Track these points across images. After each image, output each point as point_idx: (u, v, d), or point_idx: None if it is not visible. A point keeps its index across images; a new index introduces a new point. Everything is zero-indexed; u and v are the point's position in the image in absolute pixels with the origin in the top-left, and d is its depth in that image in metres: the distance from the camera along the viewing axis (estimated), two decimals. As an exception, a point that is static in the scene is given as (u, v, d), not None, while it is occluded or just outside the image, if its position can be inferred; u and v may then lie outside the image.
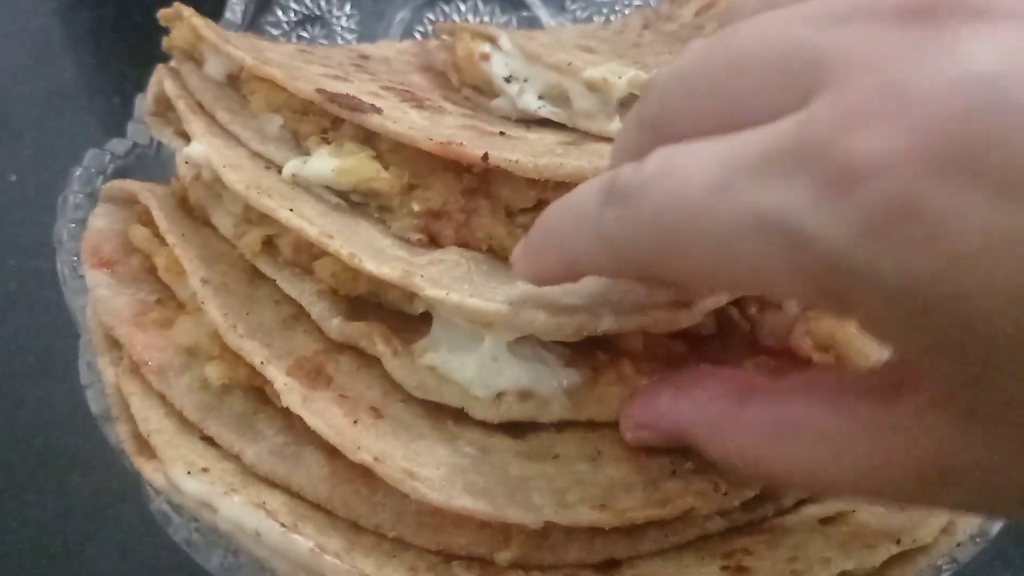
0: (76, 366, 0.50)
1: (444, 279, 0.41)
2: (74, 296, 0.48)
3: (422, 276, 0.40)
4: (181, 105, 0.49)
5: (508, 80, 0.52)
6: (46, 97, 0.92)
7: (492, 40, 0.54)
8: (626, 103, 0.50)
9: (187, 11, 0.54)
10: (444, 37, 0.61)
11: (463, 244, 0.47)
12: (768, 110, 0.27)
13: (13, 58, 0.95)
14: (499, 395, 0.41)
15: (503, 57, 0.52)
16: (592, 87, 0.50)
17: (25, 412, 0.71)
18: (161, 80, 0.52)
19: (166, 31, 0.56)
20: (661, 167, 0.29)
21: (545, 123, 0.52)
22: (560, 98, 0.52)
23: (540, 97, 0.52)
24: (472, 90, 0.56)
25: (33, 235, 0.81)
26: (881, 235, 0.23)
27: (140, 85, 0.91)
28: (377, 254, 0.42)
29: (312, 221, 0.42)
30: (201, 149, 0.45)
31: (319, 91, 0.48)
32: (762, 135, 0.26)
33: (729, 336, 0.43)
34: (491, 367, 0.41)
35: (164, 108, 0.54)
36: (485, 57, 0.53)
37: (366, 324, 0.42)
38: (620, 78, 0.49)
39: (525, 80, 0.52)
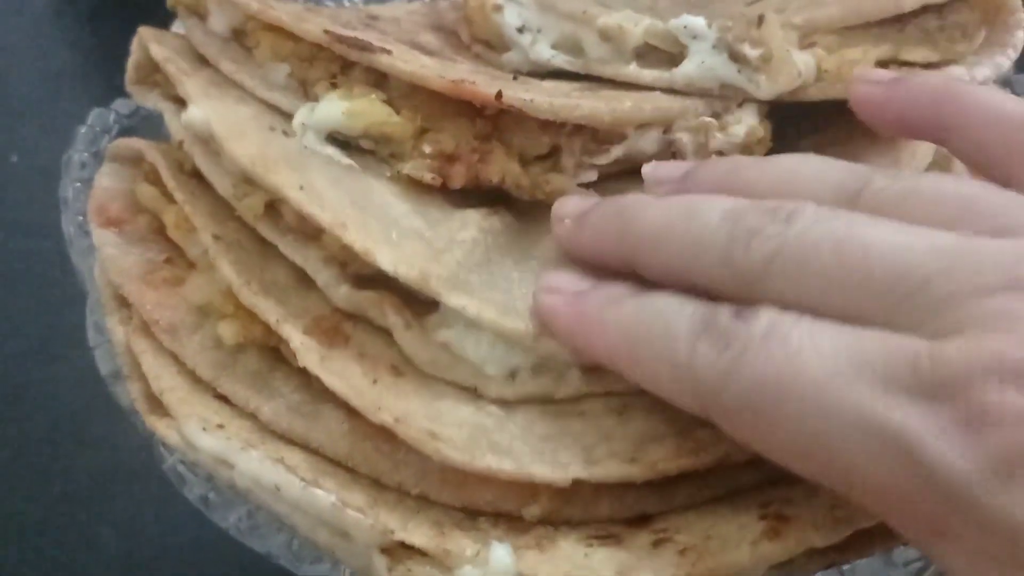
0: (81, 347, 0.49)
1: (461, 272, 0.40)
2: (81, 256, 0.46)
3: (438, 277, 0.39)
4: (171, 69, 0.48)
5: (521, 31, 0.50)
6: (46, 77, 0.91)
7: None
8: (642, 53, 0.48)
9: (191, -35, 0.53)
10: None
11: (476, 184, 0.46)
12: (886, 312, 0.29)
13: (13, 38, 0.94)
14: (512, 372, 0.40)
15: (516, 7, 0.50)
16: (606, 35, 0.48)
17: (30, 393, 0.71)
18: (144, 44, 0.50)
19: (169, 13, 0.55)
20: (770, 329, 0.30)
21: (559, 75, 0.51)
22: (574, 48, 0.50)
23: (553, 47, 0.50)
24: (482, 46, 0.54)
25: (36, 216, 0.79)
26: (1009, 476, 0.25)
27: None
28: (392, 235, 0.41)
29: (323, 200, 0.40)
30: (200, 114, 0.44)
31: (327, 32, 0.46)
32: (887, 344, 0.28)
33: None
34: (505, 345, 0.40)
35: (146, 74, 0.52)
36: (497, 8, 0.51)
37: (376, 294, 0.41)
38: (636, 25, 0.47)
39: (538, 31, 0.50)
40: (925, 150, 0.48)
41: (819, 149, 0.47)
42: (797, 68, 0.45)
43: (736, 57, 0.45)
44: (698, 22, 0.46)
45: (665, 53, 0.48)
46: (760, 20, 0.45)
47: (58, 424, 0.69)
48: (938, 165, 0.48)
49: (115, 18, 0.97)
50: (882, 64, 0.46)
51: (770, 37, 0.45)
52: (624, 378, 0.37)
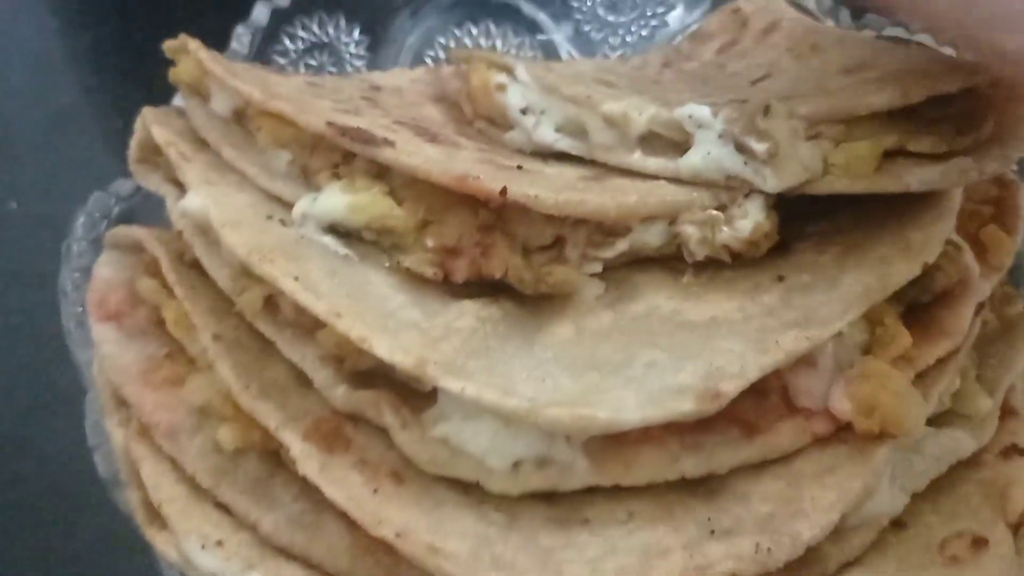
0: (80, 402, 0.48)
1: (459, 359, 0.39)
2: (79, 349, 0.46)
3: (435, 363, 0.39)
4: (172, 153, 0.47)
5: (524, 112, 0.50)
6: (47, 121, 0.90)
7: (508, 70, 0.52)
8: (647, 139, 0.48)
9: (193, 44, 0.53)
10: (459, 65, 0.58)
11: (478, 277, 0.45)
12: None
13: (13, 81, 0.93)
14: (516, 464, 0.40)
15: (520, 88, 0.50)
16: (611, 122, 0.48)
17: (29, 451, 0.70)
18: (146, 125, 0.50)
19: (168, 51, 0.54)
20: None
21: (562, 157, 0.50)
22: (578, 131, 0.49)
23: (557, 130, 0.50)
24: (485, 122, 0.53)
25: (35, 266, 0.79)
26: None
27: (142, 106, 0.90)
28: (388, 325, 0.40)
29: (319, 291, 0.40)
30: (198, 202, 0.43)
31: (330, 124, 0.46)
32: None
33: (762, 395, 0.41)
34: (505, 435, 0.40)
35: (150, 153, 0.52)
36: (501, 88, 0.51)
37: (373, 393, 0.41)
38: (640, 114, 0.47)
39: (542, 112, 0.50)
40: (928, 238, 0.47)
41: (826, 236, 0.47)
42: (803, 163, 0.44)
43: (742, 149, 0.45)
44: (703, 112, 0.46)
45: (671, 140, 0.47)
46: (767, 110, 0.45)
47: (57, 481, 0.68)
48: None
49: (117, 58, 0.97)
50: (889, 154, 0.46)
51: (776, 129, 0.44)
52: (633, 468, 0.38)
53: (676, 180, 0.46)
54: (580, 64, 0.63)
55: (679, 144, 0.47)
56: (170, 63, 0.54)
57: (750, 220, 0.45)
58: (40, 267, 0.78)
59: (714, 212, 0.45)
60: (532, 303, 0.46)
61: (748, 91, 0.51)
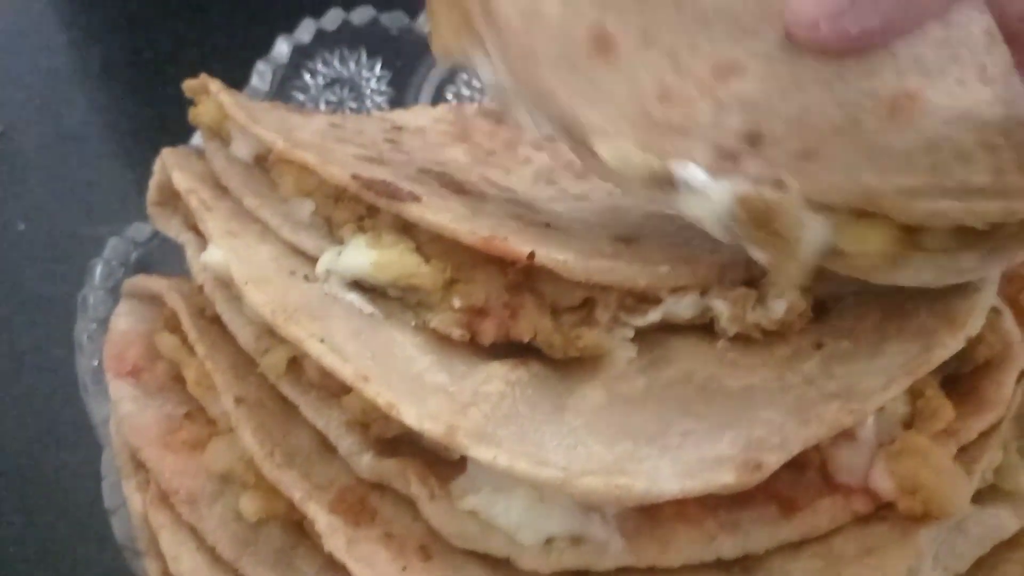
0: (88, 432, 0.47)
1: (489, 426, 0.38)
2: (96, 405, 0.45)
3: (465, 431, 0.37)
4: (193, 201, 0.46)
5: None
6: (56, 140, 0.89)
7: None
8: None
9: (214, 85, 0.51)
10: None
11: (506, 339, 0.44)
12: None
13: (22, 99, 0.92)
14: (548, 541, 0.38)
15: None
16: None
17: (36, 481, 0.69)
18: (166, 169, 0.49)
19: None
20: None
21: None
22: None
23: None
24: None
25: (43, 289, 0.78)
26: None
27: (152, 124, 0.89)
28: (415, 389, 0.39)
29: (345, 353, 0.39)
30: (220, 256, 0.42)
31: (355, 177, 0.45)
32: None
33: (800, 471, 0.40)
34: (538, 509, 0.39)
35: (168, 196, 0.51)
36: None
37: (399, 462, 0.40)
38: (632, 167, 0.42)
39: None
40: (972, 307, 0.45)
41: (864, 300, 0.46)
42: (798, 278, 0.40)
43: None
44: (705, 181, 0.39)
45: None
46: (779, 184, 0.38)
47: (66, 512, 0.67)
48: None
49: (127, 75, 0.96)
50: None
51: (787, 217, 0.39)
52: (669, 549, 0.36)
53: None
54: None
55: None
56: (180, 80, 0.53)
57: (784, 299, 0.43)
58: (50, 289, 0.78)
59: (746, 290, 0.44)
60: (562, 365, 0.44)
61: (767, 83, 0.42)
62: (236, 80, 0.70)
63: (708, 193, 0.39)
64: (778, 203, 0.37)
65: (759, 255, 0.39)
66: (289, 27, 0.66)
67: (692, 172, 0.39)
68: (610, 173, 0.40)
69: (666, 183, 0.39)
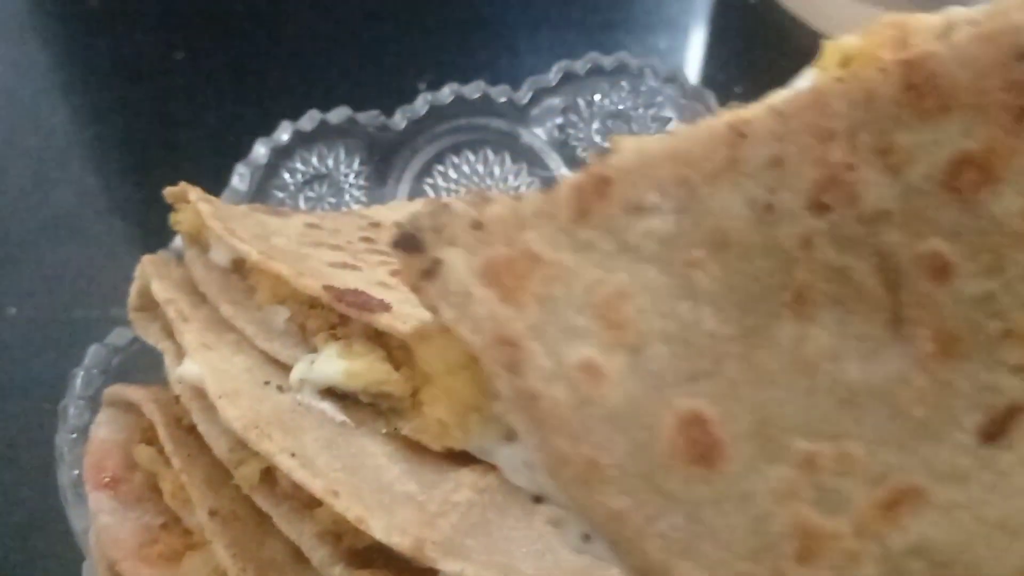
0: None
1: (457, 537, 0.39)
2: (76, 514, 0.46)
3: (433, 543, 0.38)
4: (171, 311, 0.48)
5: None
6: (46, 222, 0.90)
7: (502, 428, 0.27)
8: None
9: (194, 193, 0.53)
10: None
11: None
12: None
13: (12, 181, 0.93)
14: None
15: (522, 467, 0.40)
16: None
17: (26, 569, 0.69)
18: (146, 276, 0.50)
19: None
20: None
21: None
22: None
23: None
24: None
25: (33, 373, 0.79)
26: None
27: (143, 206, 0.90)
28: (385, 501, 0.40)
29: (315, 467, 0.40)
30: (195, 370, 0.44)
31: (327, 288, 0.46)
32: None
33: None
34: None
35: (149, 302, 0.52)
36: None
37: (371, 573, 0.40)
38: None
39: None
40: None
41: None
42: None
43: None
44: None
45: None
46: None
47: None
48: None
49: (119, 156, 0.97)
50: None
51: None
52: None
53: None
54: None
55: None
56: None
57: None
58: (40, 373, 0.78)
59: None
60: (532, 470, 0.45)
61: None
62: (226, 159, 0.71)
63: None
64: None
65: None
66: (269, 125, 0.67)
67: None
68: None
69: None
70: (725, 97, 0.65)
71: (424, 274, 0.24)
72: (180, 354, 0.47)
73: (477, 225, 0.25)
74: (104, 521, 0.44)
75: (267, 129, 0.68)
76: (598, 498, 0.24)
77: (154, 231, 0.55)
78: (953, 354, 0.24)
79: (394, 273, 0.51)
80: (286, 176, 0.62)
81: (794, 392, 0.24)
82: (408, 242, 0.24)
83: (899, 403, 0.24)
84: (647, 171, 0.25)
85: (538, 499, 0.26)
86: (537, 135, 0.65)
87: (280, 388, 0.46)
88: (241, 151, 0.68)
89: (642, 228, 0.25)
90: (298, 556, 0.43)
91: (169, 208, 0.57)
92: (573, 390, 0.24)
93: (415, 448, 0.45)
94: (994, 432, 0.24)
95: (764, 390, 0.24)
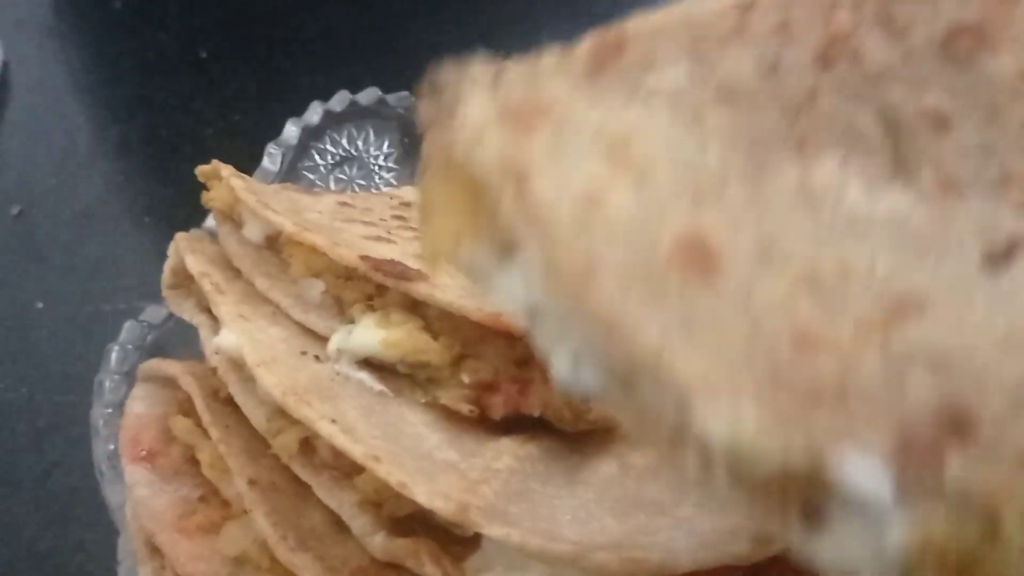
0: (105, 512, 0.47)
1: (500, 503, 0.38)
2: (112, 490, 0.45)
3: (477, 509, 0.38)
4: (206, 284, 0.47)
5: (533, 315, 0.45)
6: (73, 218, 0.90)
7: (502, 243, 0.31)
8: None
9: (226, 170, 0.53)
10: None
11: (516, 414, 0.44)
12: None
13: (38, 178, 0.94)
14: None
15: (521, 284, 0.34)
16: None
17: (53, 562, 0.69)
18: (180, 253, 0.50)
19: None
20: None
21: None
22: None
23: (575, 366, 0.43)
24: None
25: (61, 367, 0.79)
26: None
27: (169, 202, 0.90)
28: (426, 467, 0.39)
29: (356, 433, 0.39)
30: (233, 339, 0.43)
31: (363, 258, 0.46)
32: None
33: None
34: None
35: (183, 279, 0.52)
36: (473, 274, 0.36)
37: (412, 542, 0.40)
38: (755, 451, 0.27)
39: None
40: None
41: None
42: None
43: None
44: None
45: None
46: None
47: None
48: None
49: (143, 154, 0.97)
50: None
51: None
52: None
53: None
54: (663, 51, 0.41)
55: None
56: (196, 159, 0.54)
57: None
58: (69, 367, 0.78)
59: None
60: (572, 439, 0.45)
61: None
62: (252, 155, 0.71)
63: (879, 518, 0.22)
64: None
65: None
66: (299, 108, 0.67)
67: (863, 476, 0.22)
68: (709, 468, 0.23)
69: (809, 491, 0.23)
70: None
71: (443, 113, 0.26)
72: (215, 327, 0.47)
73: (497, 75, 0.26)
74: (141, 494, 0.43)
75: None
76: (593, 298, 0.24)
77: (180, 226, 0.55)
78: (954, 193, 0.25)
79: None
80: (316, 157, 0.61)
81: (798, 218, 0.25)
82: (430, 87, 0.27)
83: (903, 229, 0.25)
84: (661, 34, 0.28)
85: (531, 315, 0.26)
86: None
87: (317, 358, 0.45)
88: (265, 147, 0.68)
89: (654, 80, 0.27)
90: (338, 525, 0.42)
91: (195, 203, 0.57)
92: (578, 207, 0.25)
93: (454, 418, 0.45)
94: (997, 259, 0.24)
95: (767, 215, 0.25)
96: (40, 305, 0.84)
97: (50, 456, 0.74)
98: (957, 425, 0.22)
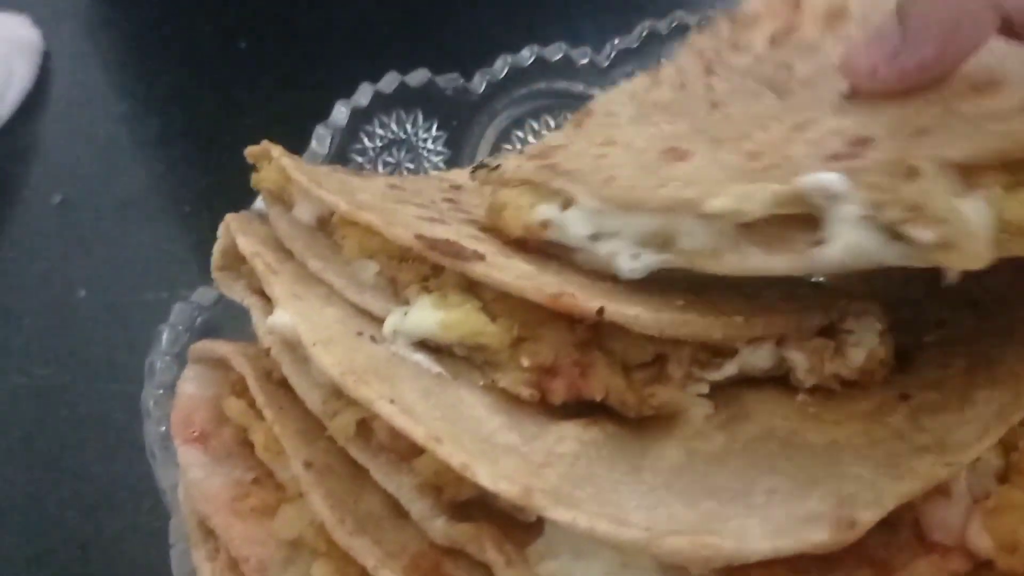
0: (149, 496, 0.47)
1: (565, 487, 0.37)
2: (163, 471, 0.44)
3: (542, 492, 0.36)
4: (259, 264, 0.46)
5: (595, 238, 0.43)
6: (115, 208, 0.90)
7: (559, 197, 0.44)
8: (749, 227, 0.39)
9: (276, 150, 0.52)
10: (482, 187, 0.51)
11: (577, 398, 0.43)
12: None
13: (81, 168, 0.94)
14: None
15: (580, 215, 0.43)
16: (713, 219, 0.40)
17: (98, 548, 0.68)
18: (230, 233, 0.49)
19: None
20: None
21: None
22: (665, 242, 0.42)
23: (639, 245, 0.42)
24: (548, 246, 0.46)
25: (104, 354, 0.79)
26: None
27: (210, 191, 0.90)
28: (487, 450, 0.38)
29: (416, 414, 0.38)
30: (287, 319, 0.42)
31: (418, 237, 0.44)
32: None
33: (892, 530, 0.38)
34: (620, 574, 0.37)
35: (232, 260, 0.51)
36: (545, 225, 0.44)
37: (474, 526, 0.38)
38: (756, 201, 0.38)
39: (615, 234, 0.43)
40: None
41: (949, 347, 0.44)
42: (982, 238, 0.35)
43: (899, 238, 0.36)
44: (833, 181, 0.37)
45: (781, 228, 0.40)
46: (912, 171, 0.36)
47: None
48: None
49: (184, 144, 0.97)
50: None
51: (932, 198, 0.35)
52: None
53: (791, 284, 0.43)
54: (614, 103, 0.55)
55: (797, 229, 0.38)
56: (237, 148, 0.54)
57: (863, 348, 0.42)
58: (108, 355, 0.78)
59: (823, 341, 0.42)
60: (635, 424, 0.43)
61: (852, 116, 0.42)
62: (292, 146, 0.71)
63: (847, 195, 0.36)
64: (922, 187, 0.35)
65: (926, 235, 0.35)
66: (340, 96, 0.66)
67: (823, 177, 0.36)
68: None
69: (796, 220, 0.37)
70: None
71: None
72: (268, 308, 0.46)
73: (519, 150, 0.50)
74: (194, 476, 0.42)
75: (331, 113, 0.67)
76: (621, 195, 0.43)
77: (220, 215, 0.55)
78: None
79: (483, 229, 0.50)
80: (365, 140, 0.60)
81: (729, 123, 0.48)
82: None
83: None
84: (613, 100, 0.58)
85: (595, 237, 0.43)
86: (618, 98, 0.63)
87: (373, 339, 0.44)
88: (305, 137, 0.67)
89: (616, 117, 0.56)
90: (396, 510, 0.41)
91: (235, 193, 0.56)
92: (593, 163, 0.46)
93: (514, 401, 0.43)
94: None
95: (704, 127, 0.47)
96: (82, 293, 0.84)
97: (92, 443, 0.74)
98: (859, 143, 0.39)
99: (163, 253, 0.87)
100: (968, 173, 0.36)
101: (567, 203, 0.44)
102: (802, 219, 0.38)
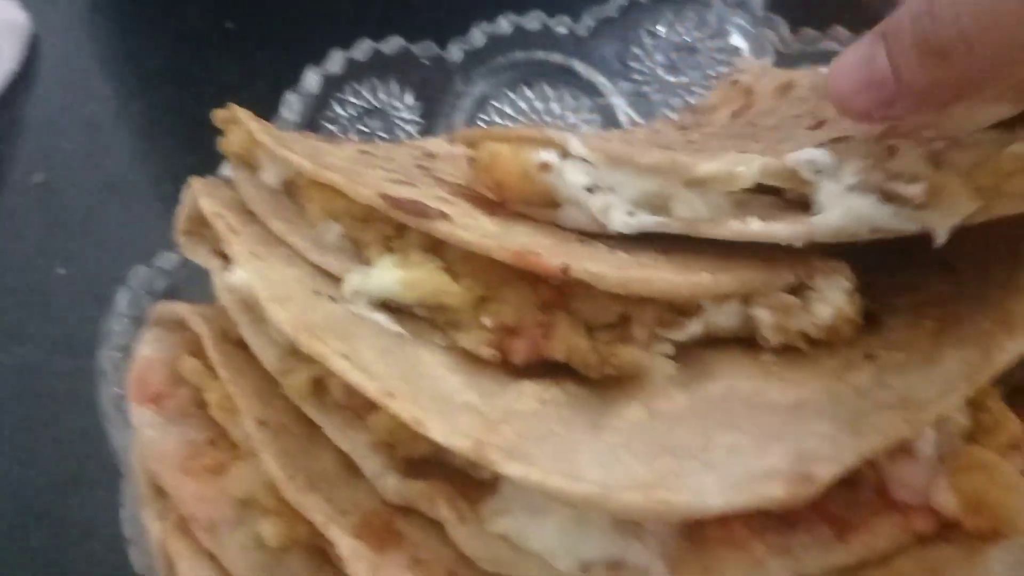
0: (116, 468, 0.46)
1: (521, 443, 0.36)
2: (117, 432, 0.44)
3: (496, 447, 0.35)
4: (220, 225, 0.45)
5: (591, 190, 0.44)
6: (97, 187, 0.89)
7: (556, 146, 0.45)
8: (743, 202, 0.41)
9: (243, 114, 0.51)
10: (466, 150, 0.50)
11: (539, 359, 0.42)
12: None
13: (64, 147, 0.93)
14: (585, 566, 0.36)
15: (578, 165, 0.44)
16: (705, 185, 0.41)
17: (69, 523, 0.67)
18: (195, 196, 0.48)
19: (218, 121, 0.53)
20: None
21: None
22: (659, 206, 0.43)
23: (634, 205, 0.43)
24: (523, 206, 0.47)
25: (81, 332, 0.77)
26: None
27: (194, 172, 0.89)
28: (444, 407, 0.37)
29: (371, 371, 0.37)
30: (243, 277, 0.41)
31: (383, 196, 0.44)
32: None
33: (854, 489, 0.37)
34: (575, 533, 0.36)
35: (197, 225, 0.50)
36: (545, 168, 0.44)
37: (427, 484, 0.38)
38: (748, 168, 0.41)
39: (610, 190, 0.44)
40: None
41: (919, 309, 0.43)
42: (966, 191, 0.38)
43: (891, 198, 0.38)
44: (823, 157, 0.40)
45: (773, 199, 0.42)
46: (892, 149, 0.39)
47: (93, 555, 0.66)
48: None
49: (168, 125, 0.96)
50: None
51: (914, 164, 0.38)
52: (714, 574, 0.34)
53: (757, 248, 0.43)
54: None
55: (789, 201, 0.41)
56: (220, 131, 0.53)
57: (830, 305, 0.41)
58: (86, 334, 0.77)
59: (789, 298, 0.42)
60: (597, 384, 0.42)
61: (819, 135, 0.45)
62: (275, 122, 0.70)
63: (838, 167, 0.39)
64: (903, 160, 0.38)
65: (914, 190, 0.38)
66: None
67: (813, 152, 0.40)
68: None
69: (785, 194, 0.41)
70: (796, 24, 0.62)
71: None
72: (227, 269, 0.45)
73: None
74: (147, 435, 0.42)
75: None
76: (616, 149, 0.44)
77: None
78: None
79: (454, 193, 0.49)
80: (337, 108, 0.60)
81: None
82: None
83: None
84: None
85: (592, 188, 0.44)
86: (598, 69, 0.63)
87: (332, 299, 0.43)
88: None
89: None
90: (350, 469, 0.40)
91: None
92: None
93: (475, 361, 0.43)
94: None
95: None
96: (62, 271, 0.83)
97: (68, 420, 0.73)
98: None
99: (145, 232, 0.85)
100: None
101: (565, 154, 0.44)
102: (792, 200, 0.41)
